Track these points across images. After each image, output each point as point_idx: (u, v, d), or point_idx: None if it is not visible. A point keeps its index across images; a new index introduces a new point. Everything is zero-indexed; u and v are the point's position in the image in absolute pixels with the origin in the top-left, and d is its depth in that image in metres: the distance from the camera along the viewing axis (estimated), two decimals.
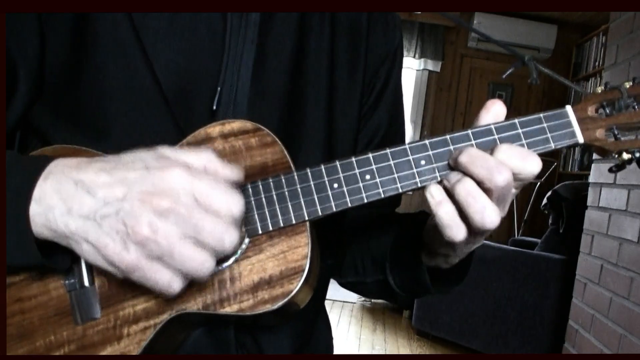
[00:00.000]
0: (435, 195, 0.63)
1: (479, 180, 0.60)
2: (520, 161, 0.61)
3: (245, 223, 0.67)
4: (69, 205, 0.54)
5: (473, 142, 0.66)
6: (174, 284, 0.55)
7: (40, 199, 0.55)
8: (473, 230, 0.62)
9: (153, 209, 0.53)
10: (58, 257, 0.60)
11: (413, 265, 0.79)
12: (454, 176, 0.63)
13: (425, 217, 0.79)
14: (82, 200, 0.54)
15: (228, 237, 0.55)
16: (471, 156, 0.61)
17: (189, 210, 0.54)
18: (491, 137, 0.66)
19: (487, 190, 0.60)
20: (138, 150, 0.59)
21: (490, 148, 0.63)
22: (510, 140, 0.65)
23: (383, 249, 0.85)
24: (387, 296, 0.88)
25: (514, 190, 0.64)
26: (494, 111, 0.65)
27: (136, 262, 0.53)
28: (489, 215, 0.60)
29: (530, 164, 0.61)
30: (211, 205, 0.55)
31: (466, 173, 0.61)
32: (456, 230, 0.62)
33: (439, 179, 0.66)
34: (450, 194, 0.62)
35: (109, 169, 0.56)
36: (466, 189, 0.60)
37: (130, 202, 0.53)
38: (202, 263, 0.54)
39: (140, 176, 0.55)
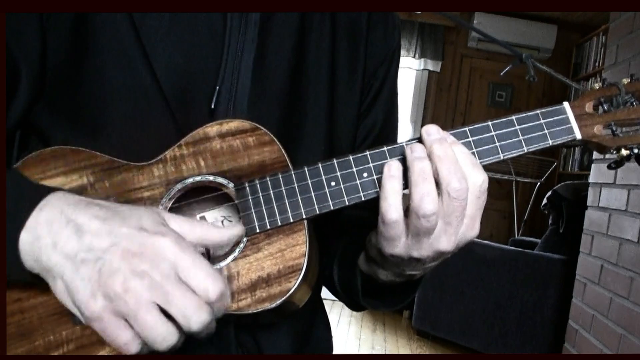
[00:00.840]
0: (392, 169, 0.62)
1: (437, 177, 0.59)
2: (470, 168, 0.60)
3: (243, 222, 0.67)
4: (55, 240, 0.55)
5: (470, 139, 0.66)
6: (131, 347, 0.55)
7: (31, 228, 0.56)
8: (409, 222, 0.60)
9: (131, 267, 0.53)
10: None
11: (351, 265, 0.77)
12: (418, 152, 0.62)
13: None
14: (69, 239, 0.55)
15: (197, 317, 0.55)
16: (445, 151, 0.60)
17: (164, 280, 0.54)
18: (489, 134, 0.66)
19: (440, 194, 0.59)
20: (138, 206, 0.59)
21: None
22: (508, 137, 0.65)
23: (340, 244, 0.84)
24: (333, 292, 0.87)
25: (463, 229, 0.61)
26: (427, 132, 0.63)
27: (100, 313, 0.53)
28: (428, 202, 0.58)
29: (474, 175, 0.60)
30: (189, 282, 0.55)
31: (432, 160, 0.60)
32: (392, 209, 0.60)
33: None
34: (405, 167, 0.61)
35: (103, 218, 0.56)
36: (420, 169, 0.60)
37: (112, 255, 0.54)
38: (163, 336, 0.54)
39: (130, 234, 0.55)
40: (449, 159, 0.60)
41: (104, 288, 0.53)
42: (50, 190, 0.58)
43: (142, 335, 0.54)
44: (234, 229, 0.63)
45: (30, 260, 0.56)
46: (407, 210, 0.60)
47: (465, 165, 0.60)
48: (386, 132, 0.93)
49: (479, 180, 0.60)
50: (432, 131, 0.62)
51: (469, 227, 0.61)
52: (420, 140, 0.64)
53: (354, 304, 0.85)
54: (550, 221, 3.79)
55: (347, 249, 0.82)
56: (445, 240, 0.61)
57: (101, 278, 0.53)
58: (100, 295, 0.53)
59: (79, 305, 0.54)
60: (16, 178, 0.61)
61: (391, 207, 0.60)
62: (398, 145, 0.67)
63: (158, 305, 0.54)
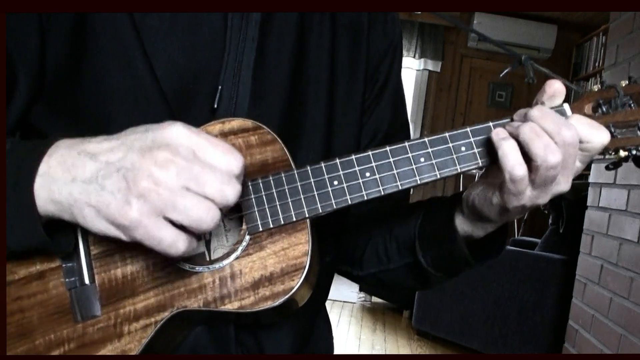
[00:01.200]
0: (500, 133, 0.64)
1: (547, 132, 0.62)
2: (588, 128, 0.63)
3: (246, 221, 0.67)
4: (73, 174, 0.55)
5: (472, 139, 0.67)
6: (179, 243, 0.54)
7: (44, 174, 0.56)
8: (535, 177, 0.62)
9: (153, 161, 0.53)
10: (61, 239, 0.60)
11: (447, 238, 0.77)
12: (517, 122, 0.65)
13: (447, 197, 0.79)
14: (85, 165, 0.55)
15: (230, 189, 0.55)
16: (543, 111, 0.63)
17: (188, 163, 0.54)
18: (489, 135, 0.66)
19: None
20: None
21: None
22: None
23: (410, 232, 0.83)
24: (416, 280, 0.86)
25: (578, 164, 0.65)
26: (549, 93, 0.67)
27: (139, 217, 0.53)
28: (552, 151, 0.61)
29: (598, 134, 0.63)
30: (210, 160, 0.55)
31: (533, 121, 0.63)
32: (517, 163, 0.62)
33: (438, 176, 0.67)
34: (513, 137, 0.64)
35: (112, 137, 0.57)
36: (530, 127, 0.62)
37: (130, 159, 0.54)
38: (206, 211, 0.54)
39: (140, 136, 0.55)
40: (545, 113, 0.63)
41: (135, 189, 0.52)
42: (53, 139, 0.59)
43: (185, 222, 0.53)
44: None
45: (49, 204, 0.56)
46: (530, 166, 0.63)
47: (560, 117, 0.64)
48: (395, 129, 0.93)
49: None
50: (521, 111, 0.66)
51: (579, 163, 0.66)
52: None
53: (439, 282, 0.85)
54: (550, 221, 3.79)
55: (427, 230, 0.81)
56: (564, 182, 0.65)
57: (128, 183, 0.53)
58: (133, 198, 0.53)
59: (116, 219, 0.53)
60: (16, 140, 0.61)
61: (516, 165, 0.62)
62: (400, 145, 0.67)
63: (190, 188, 0.53)
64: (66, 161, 0.56)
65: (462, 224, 0.76)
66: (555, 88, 0.67)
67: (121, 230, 0.54)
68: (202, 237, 0.56)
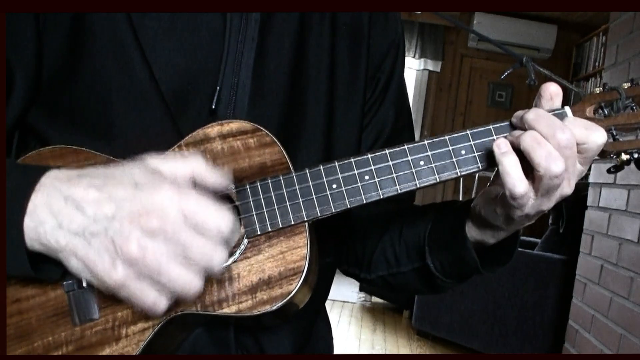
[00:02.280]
0: (502, 146, 0.64)
1: (544, 135, 0.61)
2: (584, 130, 0.62)
3: (244, 224, 0.67)
4: (59, 221, 0.55)
5: (472, 142, 0.66)
6: (160, 304, 0.56)
7: (31, 212, 0.55)
8: (539, 186, 0.62)
9: (142, 228, 0.53)
10: (50, 269, 0.60)
11: (457, 244, 0.76)
12: (518, 132, 0.64)
13: (459, 202, 0.79)
14: (72, 216, 0.55)
15: (216, 256, 0.55)
16: (537, 114, 0.62)
17: (177, 229, 0.54)
18: (490, 138, 0.66)
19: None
20: (126, 164, 0.59)
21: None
22: None
23: (419, 236, 0.83)
24: (425, 285, 0.86)
25: (579, 167, 0.65)
26: (547, 96, 0.66)
27: (123, 280, 0.54)
28: (554, 159, 0.60)
29: (594, 134, 0.62)
30: (199, 224, 0.55)
31: (531, 129, 0.62)
32: (517, 180, 0.62)
33: (437, 180, 0.66)
34: (515, 147, 0.63)
35: (98, 185, 0.56)
36: (531, 136, 0.61)
37: (120, 221, 0.54)
38: (189, 283, 0.55)
39: (129, 195, 0.55)
40: (539, 116, 0.62)
41: (122, 255, 0.53)
42: (42, 171, 0.58)
43: (170, 289, 0.55)
44: (225, 173, 0.63)
45: (36, 244, 0.56)
46: (533, 175, 0.62)
47: (555, 119, 0.63)
48: (399, 128, 0.93)
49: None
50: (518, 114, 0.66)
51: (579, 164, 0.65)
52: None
53: (448, 288, 0.84)
54: (550, 221, 3.79)
55: (436, 235, 0.81)
56: (567, 186, 0.64)
57: (116, 247, 0.53)
58: (119, 263, 0.53)
59: (100, 277, 0.54)
60: (11, 166, 0.60)
61: (517, 182, 0.62)
62: (399, 148, 0.67)
63: (177, 256, 0.54)
64: (52, 204, 0.55)
65: (472, 231, 0.76)
66: (551, 91, 0.66)
67: (105, 287, 0.55)
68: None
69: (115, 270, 0.53)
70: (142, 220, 0.53)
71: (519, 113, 0.65)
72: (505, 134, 0.66)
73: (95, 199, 0.55)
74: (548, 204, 0.65)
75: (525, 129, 0.63)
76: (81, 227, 0.54)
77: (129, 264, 0.53)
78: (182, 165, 0.60)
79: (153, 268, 0.53)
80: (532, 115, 0.63)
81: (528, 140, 0.61)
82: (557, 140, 0.60)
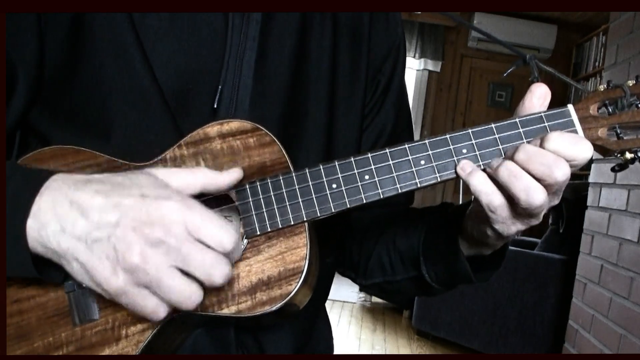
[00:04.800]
0: (466, 168, 0.64)
1: (538, 177, 0.60)
2: (573, 147, 0.60)
3: (243, 224, 0.67)
4: (62, 225, 0.55)
5: (473, 141, 0.66)
6: (160, 311, 0.56)
7: (35, 215, 0.55)
8: (519, 211, 0.62)
9: (145, 238, 0.54)
10: (52, 271, 0.60)
11: (451, 256, 0.77)
12: (496, 161, 0.63)
13: (455, 207, 0.79)
14: (76, 221, 0.55)
15: (218, 271, 0.55)
16: (527, 153, 0.60)
17: (179, 242, 0.54)
18: (492, 137, 0.65)
19: (547, 187, 0.60)
20: (135, 174, 0.59)
21: (538, 137, 0.62)
22: (510, 140, 0.65)
23: (413, 245, 0.83)
24: (421, 292, 0.87)
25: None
26: (538, 94, 0.65)
27: (123, 287, 0.54)
28: (533, 192, 0.59)
29: (582, 150, 0.60)
30: (203, 238, 0.55)
31: (524, 169, 0.60)
32: (492, 197, 0.62)
33: (438, 179, 0.66)
34: (493, 179, 0.62)
35: (104, 192, 0.56)
36: (508, 169, 0.60)
37: (123, 229, 0.54)
38: (188, 296, 0.55)
39: (135, 204, 0.55)
40: (532, 155, 0.60)
41: (123, 263, 0.53)
42: (49, 174, 0.58)
43: (167, 299, 0.55)
44: (234, 173, 0.65)
45: (39, 246, 0.56)
46: (514, 204, 0.61)
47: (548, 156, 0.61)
48: (400, 130, 0.93)
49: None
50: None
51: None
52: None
53: (431, 293, 0.85)
54: (550, 221, 3.79)
55: (430, 246, 0.81)
56: (555, 199, 0.63)
57: (118, 254, 0.53)
58: (120, 270, 0.54)
59: (100, 284, 0.54)
60: (14, 168, 0.60)
61: (491, 196, 0.62)
62: (400, 147, 0.66)
63: (178, 268, 0.54)
64: (56, 208, 0.55)
65: (467, 247, 0.76)
66: (541, 92, 0.65)
67: (105, 293, 0.55)
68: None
69: (115, 277, 0.54)
70: (146, 230, 0.54)
71: (509, 153, 0.63)
72: (514, 143, 0.64)
73: (100, 205, 0.55)
74: (535, 220, 0.64)
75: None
76: (84, 233, 0.54)
77: (129, 272, 0.54)
78: (192, 179, 0.61)
79: (153, 278, 0.54)
80: (522, 155, 0.60)
81: (505, 175, 0.60)
82: (555, 178, 0.59)
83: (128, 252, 0.53)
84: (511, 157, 0.62)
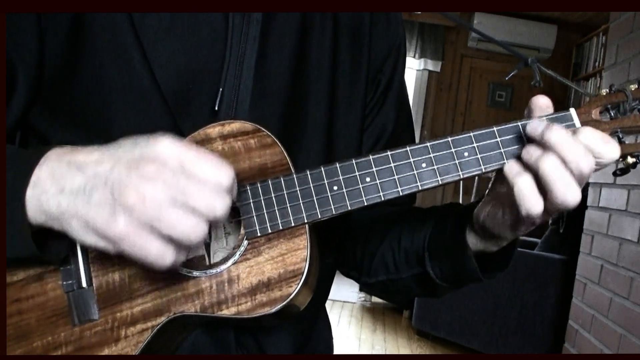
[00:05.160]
0: (513, 168, 0.63)
1: (565, 162, 0.59)
2: (604, 145, 0.60)
3: (244, 225, 0.67)
4: (61, 185, 0.55)
5: (475, 144, 0.65)
6: (166, 255, 0.54)
7: (35, 185, 0.56)
8: (549, 208, 0.61)
9: (139, 175, 0.53)
10: (53, 248, 0.60)
11: (458, 253, 0.76)
12: (535, 150, 0.61)
13: (460, 206, 0.78)
14: (73, 177, 0.55)
15: (219, 202, 0.54)
16: (562, 137, 0.59)
17: (176, 176, 0.53)
18: (494, 140, 0.65)
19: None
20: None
21: (570, 130, 0.61)
22: (512, 143, 0.65)
23: (419, 242, 0.82)
24: (425, 291, 0.86)
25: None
26: (539, 106, 0.65)
27: (125, 230, 0.53)
28: (572, 192, 0.59)
29: (611, 149, 0.60)
30: (198, 174, 0.54)
31: (554, 151, 0.60)
32: (535, 202, 0.61)
33: (440, 182, 0.66)
34: (529, 167, 0.61)
35: (101, 149, 0.57)
36: (553, 163, 0.59)
37: (117, 172, 0.54)
38: (192, 227, 0.54)
39: (128, 150, 0.55)
40: (565, 140, 0.59)
41: (120, 203, 0.52)
42: (47, 148, 0.58)
43: (171, 235, 0.53)
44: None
45: (38, 214, 0.56)
46: (546, 197, 0.61)
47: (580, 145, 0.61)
48: (400, 130, 0.92)
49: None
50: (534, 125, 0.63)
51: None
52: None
53: (446, 292, 0.84)
54: (550, 221, 3.79)
55: (436, 243, 0.80)
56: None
57: (114, 196, 0.53)
58: (119, 211, 0.53)
59: (102, 231, 0.53)
60: (12, 149, 0.61)
61: (534, 205, 0.61)
62: (401, 149, 0.66)
63: (177, 202, 0.53)
64: (55, 172, 0.56)
65: (474, 241, 0.75)
66: (542, 103, 0.65)
67: (108, 243, 0.54)
68: (190, 248, 0.56)
69: (115, 221, 0.53)
70: (140, 167, 0.53)
71: (535, 126, 0.62)
72: (516, 147, 0.64)
73: (96, 159, 0.55)
74: (555, 214, 0.64)
75: (539, 143, 0.61)
76: (82, 185, 0.54)
77: (129, 212, 0.52)
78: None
79: (153, 214, 0.52)
80: (556, 137, 0.59)
81: (548, 168, 0.59)
82: (580, 169, 0.58)
83: (124, 192, 0.52)
84: (542, 135, 0.60)
